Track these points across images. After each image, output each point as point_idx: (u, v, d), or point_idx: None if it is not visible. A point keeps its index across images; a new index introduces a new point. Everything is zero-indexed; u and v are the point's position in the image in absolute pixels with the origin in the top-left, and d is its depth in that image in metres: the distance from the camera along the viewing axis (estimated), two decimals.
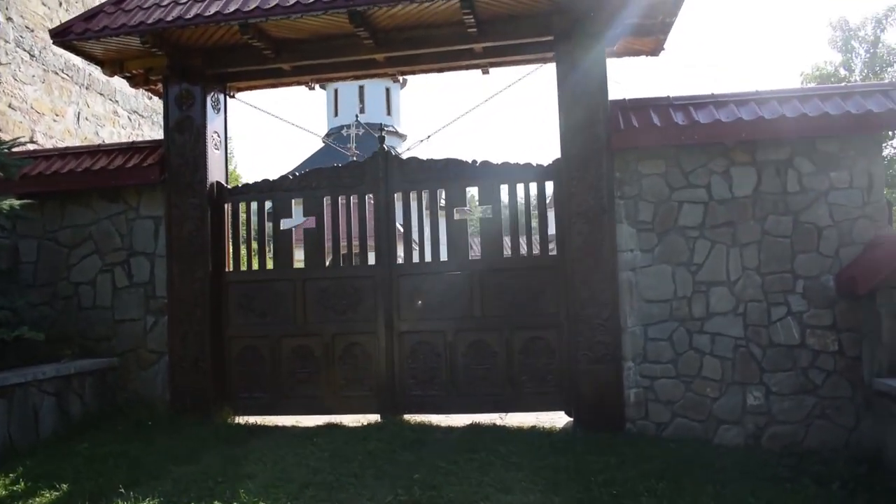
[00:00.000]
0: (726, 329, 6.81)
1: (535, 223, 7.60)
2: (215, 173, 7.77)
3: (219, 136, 7.92)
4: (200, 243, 7.53)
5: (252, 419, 7.39)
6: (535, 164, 7.36)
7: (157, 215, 7.74)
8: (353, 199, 7.66)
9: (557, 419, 7.18)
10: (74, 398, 7.12)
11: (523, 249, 7.45)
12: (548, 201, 7.48)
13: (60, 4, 9.96)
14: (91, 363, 7.37)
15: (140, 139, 10.92)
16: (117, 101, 11.13)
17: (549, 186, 7.33)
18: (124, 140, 10.82)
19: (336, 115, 38.92)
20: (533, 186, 7.37)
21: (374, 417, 7.24)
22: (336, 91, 41.72)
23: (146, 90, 8.62)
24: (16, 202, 6.83)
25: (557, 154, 7.29)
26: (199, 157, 7.60)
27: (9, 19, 8.87)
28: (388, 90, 42.84)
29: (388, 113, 42.92)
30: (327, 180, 7.67)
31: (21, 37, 9.07)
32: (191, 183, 7.59)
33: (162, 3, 7.15)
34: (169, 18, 6.93)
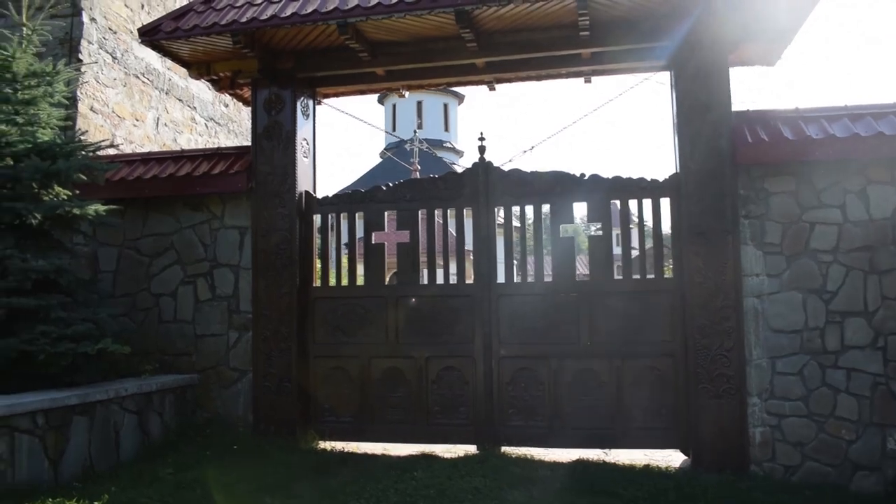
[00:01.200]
0: (864, 364, 6.15)
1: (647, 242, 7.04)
2: (304, 182, 7.36)
3: (308, 144, 7.52)
4: (288, 256, 7.11)
5: (338, 445, 6.91)
6: (649, 179, 6.79)
7: (243, 225, 7.35)
8: (451, 213, 7.17)
9: (670, 457, 6.56)
10: (155, 417, 6.74)
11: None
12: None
13: (143, 7, 9.73)
14: (172, 379, 6.98)
15: (216, 147, 10.63)
16: (195, 108, 10.87)
17: (665, 203, 6.74)
18: (201, 147, 10.55)
19: (394, 130, 38.83)
20: (647, 203, 6.79)
21: (470, 448, 6.70)
22: (394, 106, 41.77)
23: (230, 95, 8.28)
24: (101, 207, 6.50)
25: (671, 169, 6.77)
26: (288, 166, 7.20)
27: (92, 20, 8.63)
28: (445, 106, 42.81)
29: (446, 129, 42.86)
30: (423, 192, 7.19)
31: (104, 38, 8.83)
32: (279, 192, 7.19)
33: (255, 2, 6.78)
34: (263, 17, 6.55)
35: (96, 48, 8.65)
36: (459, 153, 42.71)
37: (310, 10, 6.47)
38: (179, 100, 10.47)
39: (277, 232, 7.15)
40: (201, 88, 11.09)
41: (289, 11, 6.49)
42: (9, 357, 5.74)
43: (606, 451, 6.57)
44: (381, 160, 42.13)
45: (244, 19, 6.59)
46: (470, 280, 7.02)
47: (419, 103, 39.99)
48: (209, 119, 11.30)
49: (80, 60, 8.23)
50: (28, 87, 6.51)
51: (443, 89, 32.60)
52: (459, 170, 7.70)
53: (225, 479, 5.53)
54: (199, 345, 7.36)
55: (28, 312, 5.90)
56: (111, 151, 7.87)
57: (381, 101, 42.81)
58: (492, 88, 8.12)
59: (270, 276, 7.12)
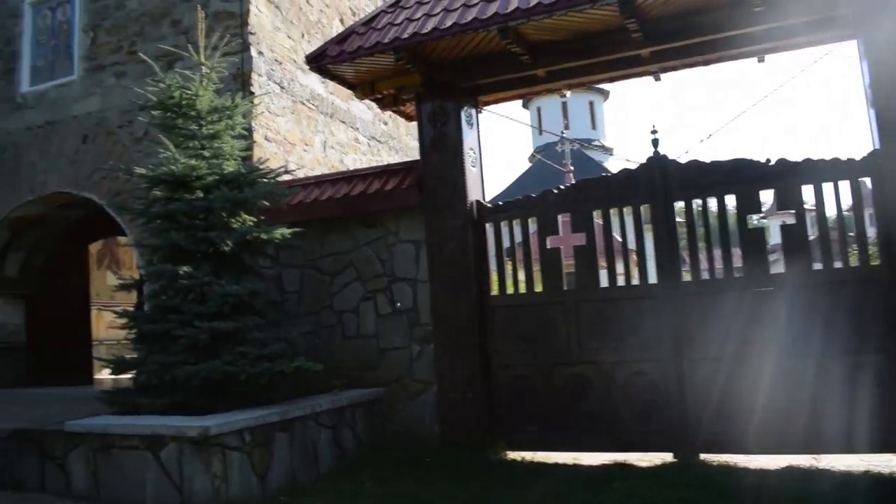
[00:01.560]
0: None
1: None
2: (474, 192, 7.35)
3: (474, 153, 7.51)
4: (464, 266, 7.12)
5: (527, 455, 6.81)
6: (844, 159, 6.24)
7: (417, 239, 7.43)
8: (627, 212, 6.92)
9: (891, 462, 5.96)
10: (347, 431, 6.92)
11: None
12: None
13: (303, 36, 10.13)
14: (361, 394, 7.16)
15: (384, 164, 10.90)
16: (357, 129, 11.20)
17: (865, 184, 6.18)
18: (365, 165, 10.83)
19: (540, 133, 38.54)
20: (843, 185, 6.24)
21: (665, 456, 6.39)
22: (539, 109, 41.55)
23: (394, 112, 8.44)
24: (286, 231, 6.77)
25: (867, 147, 6.21)
26: (458, 176, 7.22)
27: (260, 54, 9.07)
28: (591, 104, 42.11)
29: (594, 127, 42.15)
30: (596, 192, 6.97)
31: (272, 70, 9.26)
32: (450, 203, 7.22)
33: (414, 18, 6.87)
34: (424, 31, 6.61)
35: (265, 80, 9.08)
36: (608, 150, 41.84)
37: (469, 18, 6.46)
38: (343, 122, 10.82)
39: (451, 242, 7.17)
40: (362, 109, 11.42)
41: (449, 22, 6.51)
42: (214, 378, 6.05)
43: (816, 456, 6.08)
44: (530, 164, 41.99)
45: (405, 35, 6.68)
46: (653, 280, 6.73)
47: (564, 103, 39.49)
48: (371, 138, 11.61)
49: (252, 93, 8.67)
50: (211, 122, 6.89)
51: (588, 87, 32.00)
52: (629, 168, 7.33)
53: (422, 494, 5.53)
54: (383, 358, 7.50)
55: (228, 335, 6.21)
56: (286, 177, 8.20)
57: (525, 105, 42.65)
58: (657, 79, 7.78)
59: (447, 287, 7.15)
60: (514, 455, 6.82)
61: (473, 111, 7.66)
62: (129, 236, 9.66)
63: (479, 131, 7.70)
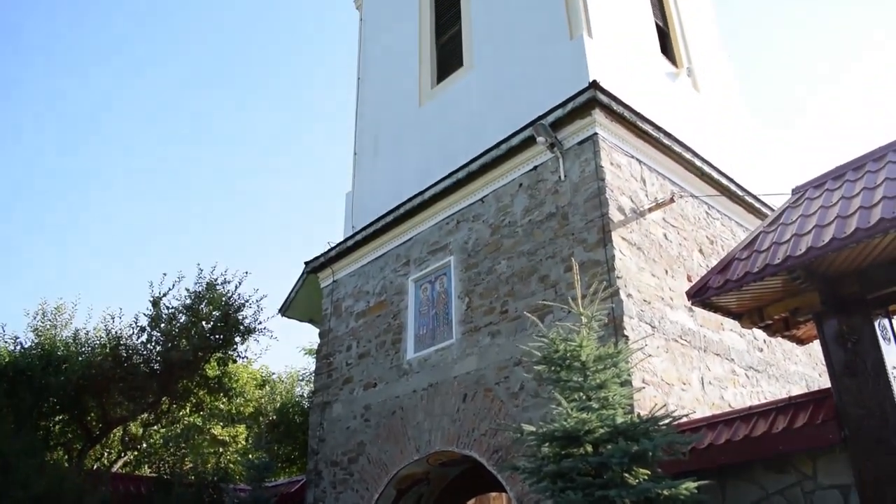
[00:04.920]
0: None
1: None
2: None
3: None
4: None
5: None
6: None
7: (844, 483, 6.22)
8: None
9: None
10: None
11: None
12: None
13: (666, 272, 9.91)
14: None
15: (769, 398, 9.82)
16: (733, 360, 10.35)
17: None
18: (748, 401, 9.82)
19: None
20: None
21: None
22: None
23: (784, 337, 7.58)
24: (691, 485, 6.02)
25: None
26: (885, 403, 6.04)
27: (629, 296, 8.94)
28: None
29: None
30: None
31: (641, 311, 9.03)
32: (881, 438, 5.99)
33: (802, 232, 6.27)
34: (821, 244, 5.95)
35: (636, 321, 8.84)
36: None
37: (874, 220, 5.70)
38: (717, 354, 10.08)
39: (892, 487, 5.85)
40: (734, 338, 10.63)
41: (850, 229, 5.80)
42: None
43: None
44: None
45: (799, 252, 6.07)
46: None
47: None
48: (748, 368, 10.62)
49: (626, 336, 8.42)
50: (596, 372, 6.65)
51: None
52: None
53: None
54: None
55: None
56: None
57: None
58: None
59: None
60: None
61: (887, 323, 6.58)
62: (511, 493, 9.51)
63: None
